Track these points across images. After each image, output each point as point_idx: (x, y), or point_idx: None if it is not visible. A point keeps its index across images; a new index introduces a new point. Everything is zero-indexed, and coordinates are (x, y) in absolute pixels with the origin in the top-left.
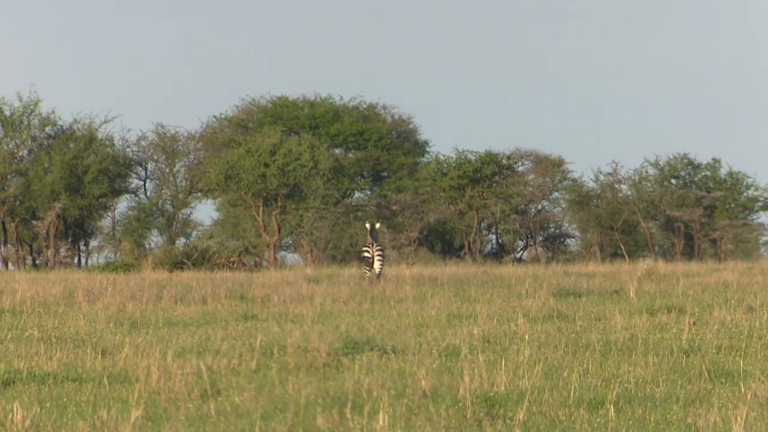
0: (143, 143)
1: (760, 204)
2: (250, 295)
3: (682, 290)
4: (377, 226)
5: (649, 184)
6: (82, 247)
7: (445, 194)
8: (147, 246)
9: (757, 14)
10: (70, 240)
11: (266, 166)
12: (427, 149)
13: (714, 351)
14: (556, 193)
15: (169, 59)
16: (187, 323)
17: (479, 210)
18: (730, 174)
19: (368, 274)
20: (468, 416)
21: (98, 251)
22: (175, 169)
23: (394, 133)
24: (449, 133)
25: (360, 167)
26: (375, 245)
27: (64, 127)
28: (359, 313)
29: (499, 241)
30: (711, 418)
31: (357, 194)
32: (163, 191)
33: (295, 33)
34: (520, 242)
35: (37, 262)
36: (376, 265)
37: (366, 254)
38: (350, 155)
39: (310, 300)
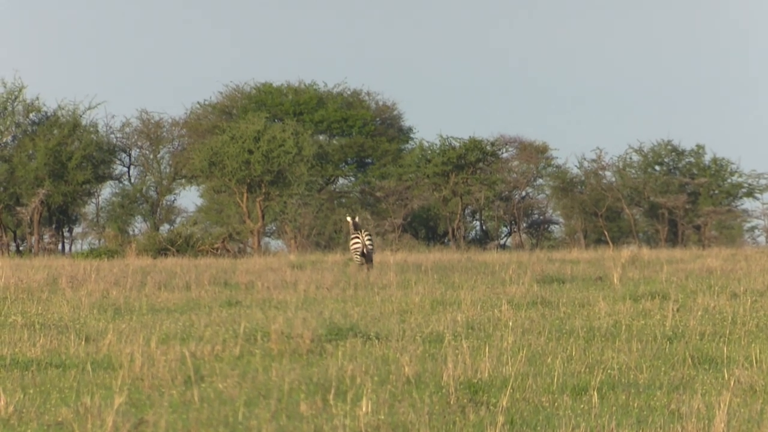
0: (127, 129)
1: (743, 190)
2: (234, 281)
3: (665, 277)
4: (356, 219)
5: (633, 171)
6: (66, 234)
7: (429, 181)
8: (131, 232)
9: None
10: (54, 226)
11: (250, 152)
12: (411, 136)
13: (698, 337)
14: (540, 180)
15: (153, 45)
16: (171, 310)
17: (463, 196)
18: (714, 160)
19: (357, 260)
20: (451, 403)
21: (82, 238)
22: (159, 156)
23: (378, 119)
24: (433, 120)
25: (344, 154)
26: (363, 231)
27: (49, 114)
28: (343, 299)
29: (483, 227)
30: (694, 405)
31: (341, 181)
32: (147, 177)
33: (280, 19)
34: (504, 229)
35: (20, 248)
36: (368, 248)
37: (356, 244)
38: (334, 142)
39: (294, 286)
